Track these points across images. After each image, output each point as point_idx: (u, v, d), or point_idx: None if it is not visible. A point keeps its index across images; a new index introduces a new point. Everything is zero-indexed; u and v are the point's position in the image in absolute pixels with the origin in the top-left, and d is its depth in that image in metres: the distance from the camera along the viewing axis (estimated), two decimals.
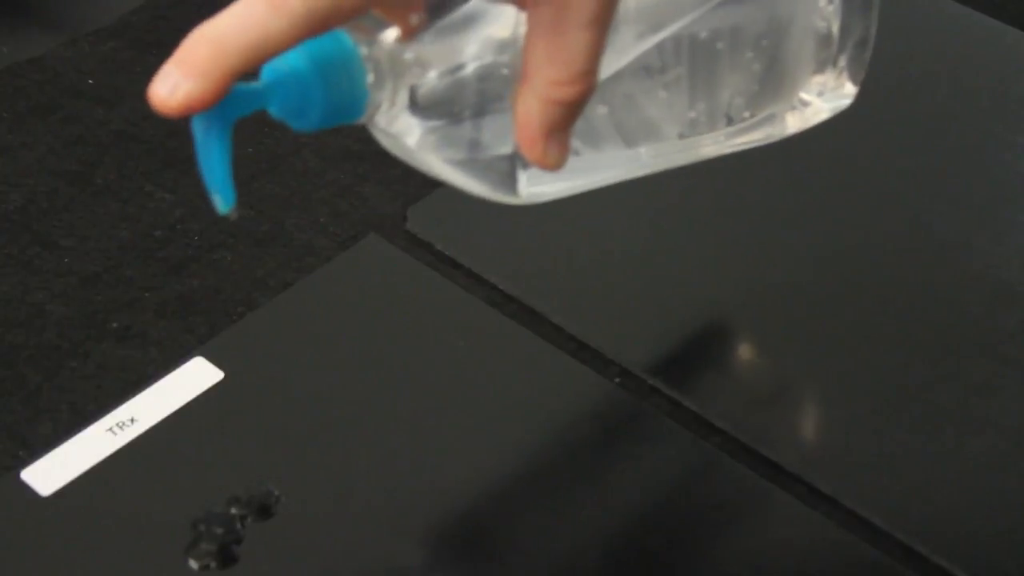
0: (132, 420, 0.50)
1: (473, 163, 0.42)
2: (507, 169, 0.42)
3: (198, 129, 0.38)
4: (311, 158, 0.62)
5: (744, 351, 0.54)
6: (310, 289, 0.56)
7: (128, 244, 0.58)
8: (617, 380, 0.53)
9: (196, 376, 0.52)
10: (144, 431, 0.50)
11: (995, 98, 0.65)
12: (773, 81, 0.48)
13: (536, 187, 0.43)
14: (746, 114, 0.48)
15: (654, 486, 0.50)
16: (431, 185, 0.61)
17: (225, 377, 0.52)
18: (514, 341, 0.54)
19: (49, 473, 0.49)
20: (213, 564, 0.46)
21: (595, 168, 0.46)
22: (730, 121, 0.48)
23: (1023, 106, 0.65)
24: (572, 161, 0.42)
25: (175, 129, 0.63)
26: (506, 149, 0.42)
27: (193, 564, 0.46)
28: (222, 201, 0.38)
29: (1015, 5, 0.70)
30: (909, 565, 0.48)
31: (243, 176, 0.61)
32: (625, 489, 0.50)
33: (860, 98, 0.54)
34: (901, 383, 0.53)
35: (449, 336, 0.54)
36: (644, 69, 0.44)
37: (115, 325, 0.54)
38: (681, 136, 0.47)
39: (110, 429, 0.50)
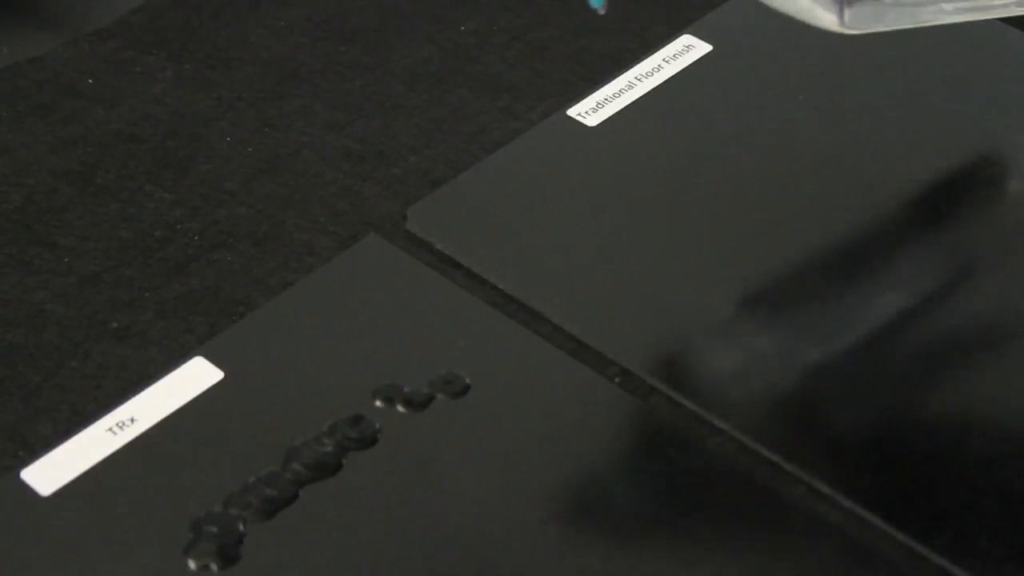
0: (132, 420, 0.50)
1: None
2: None
3: None
4: (311, 158, 0.62)
5: (744, 351, 0.54)
6: (310, 289, 0.56)
7: (128, 244, 0.58)
8: (617, 380, 0.53)
9: (196, 376, 0.52)
10: (144, 431, 0.50)
11: (995, 98, 0.65)
12: None
13: (857, 17, 0.48)
14: None
15: (654, 486, 0.50)
16: (431, 185, 0.61)
17: (225, 377, 0.52)
18: (514, 341, 0.54)
19: (49, 473, 0.49)
20: (212, 564, 0.46)
21: (910, 7, 0.51)
22: None
23: (1023, 106, 0.65)
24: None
25: (175, 129, 0.64)
26: None
27: (192, 564, 0.46)
28: None
29: None
30: (909, 565, 0.48)
31: (243, 176, 0.61)
32: (624, 489, 0.50)
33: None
34: (901, 382, 0.53)
35: (448, 336, 0.54)
36: None
37: (115, 325, 0.54)
38: None
39: (110, 429, 0.50)
